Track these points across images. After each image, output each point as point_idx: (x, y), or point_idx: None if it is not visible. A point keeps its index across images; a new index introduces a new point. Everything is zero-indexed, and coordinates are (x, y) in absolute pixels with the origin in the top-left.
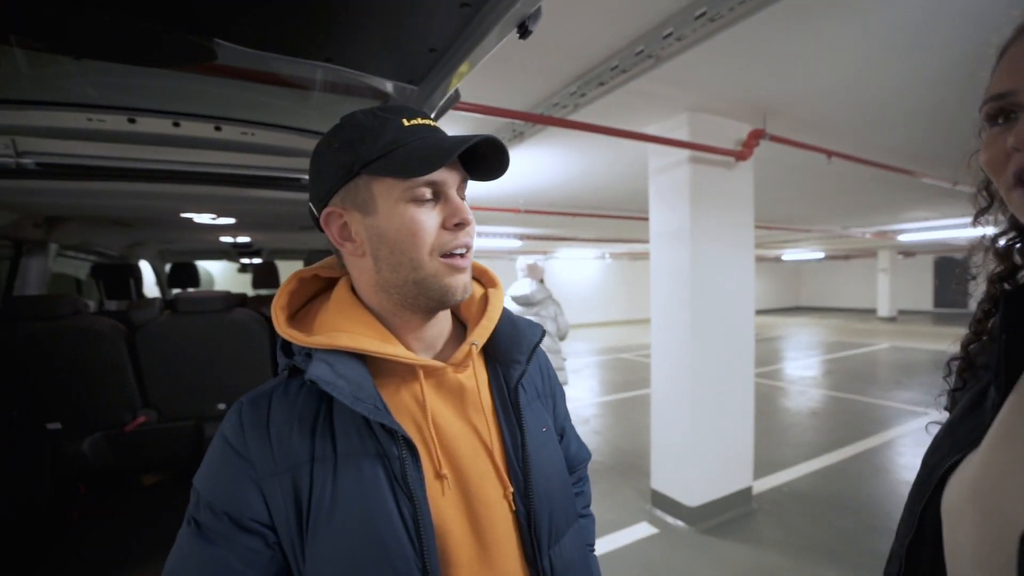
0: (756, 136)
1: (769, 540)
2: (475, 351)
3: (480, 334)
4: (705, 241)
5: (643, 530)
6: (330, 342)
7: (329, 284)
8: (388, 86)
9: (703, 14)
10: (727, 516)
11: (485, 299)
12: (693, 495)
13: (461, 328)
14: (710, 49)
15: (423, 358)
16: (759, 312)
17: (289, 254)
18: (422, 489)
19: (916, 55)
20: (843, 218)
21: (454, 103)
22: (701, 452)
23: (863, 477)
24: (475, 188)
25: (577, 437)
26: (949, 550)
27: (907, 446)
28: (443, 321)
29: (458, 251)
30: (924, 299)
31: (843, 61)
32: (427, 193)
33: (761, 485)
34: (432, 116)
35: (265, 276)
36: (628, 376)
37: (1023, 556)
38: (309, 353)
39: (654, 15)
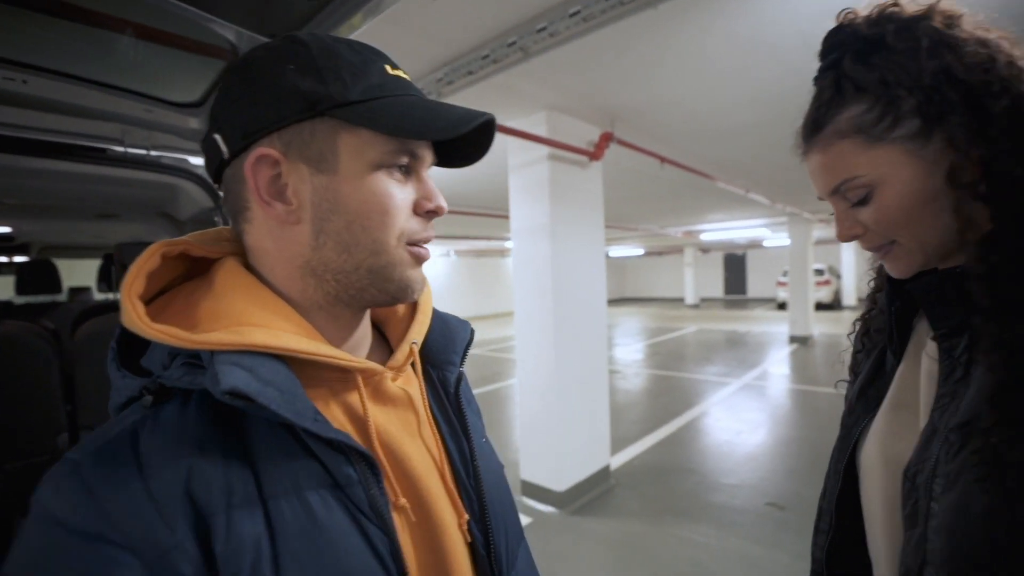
0: (607, 139)
1: (629, 510)
2: (416, 352)
3: (418, 331)
4: (564, 236)
5: None
6: (240, 340)
7: (191, 268)
8: (231, 36)
9: (577, 12)
10: (592, 495)
11: None
12: (561, 480)
13: (377, 331)
14: (573, 51)
15: (363, 360)
16: None
17: (74, 251)
18: (388, 512)
19: (741, 80)
20: (663, 218)
21: None
22: (567, 437)
23: (693, 442)
24: None
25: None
26: (865, 497)
27: (720, 411)
28: (368, 322)
29: (423, 242)
30: (717, 288)
31: (684, 77)
32: (405, 165)
33: (615, 461)
34: None
35: (39, 278)
36: (484, 371)
37: (905, 484)
38: (194, 361)
39: (529, 8)
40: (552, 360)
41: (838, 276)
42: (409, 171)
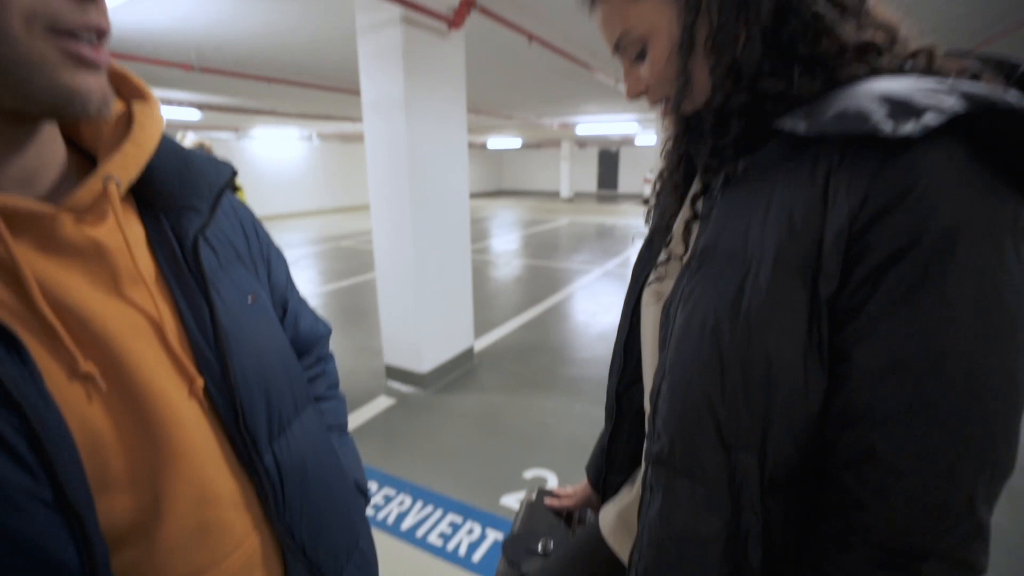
0: (468, 5)
1: (490, 386)
2: (115, 192)
3: (124, 166)
4: (421, 113)
5: (381, 403)
6: None
7: None
8: None
9: None
10: (455, 375)
11: (128, 119)
12: (423, 362)
13: (90, 165)
14: None
15: (7, 195)
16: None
17: None
18: (36, 389)
19: None
20: (537, 107)
21: None
22: (428, 323)
23: (554, 324)
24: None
25: (310, 311)
26: (643, 337)
27: (581, 296)
28: (50, 145)
29: (85, 35)
30: (591, 183)
31: None
32: None
33: (481, 344)
34: None
35: None
36: (351, 263)
37: (664, 318)
38: None
39: None
40: (410, 247)
41: None
42: None
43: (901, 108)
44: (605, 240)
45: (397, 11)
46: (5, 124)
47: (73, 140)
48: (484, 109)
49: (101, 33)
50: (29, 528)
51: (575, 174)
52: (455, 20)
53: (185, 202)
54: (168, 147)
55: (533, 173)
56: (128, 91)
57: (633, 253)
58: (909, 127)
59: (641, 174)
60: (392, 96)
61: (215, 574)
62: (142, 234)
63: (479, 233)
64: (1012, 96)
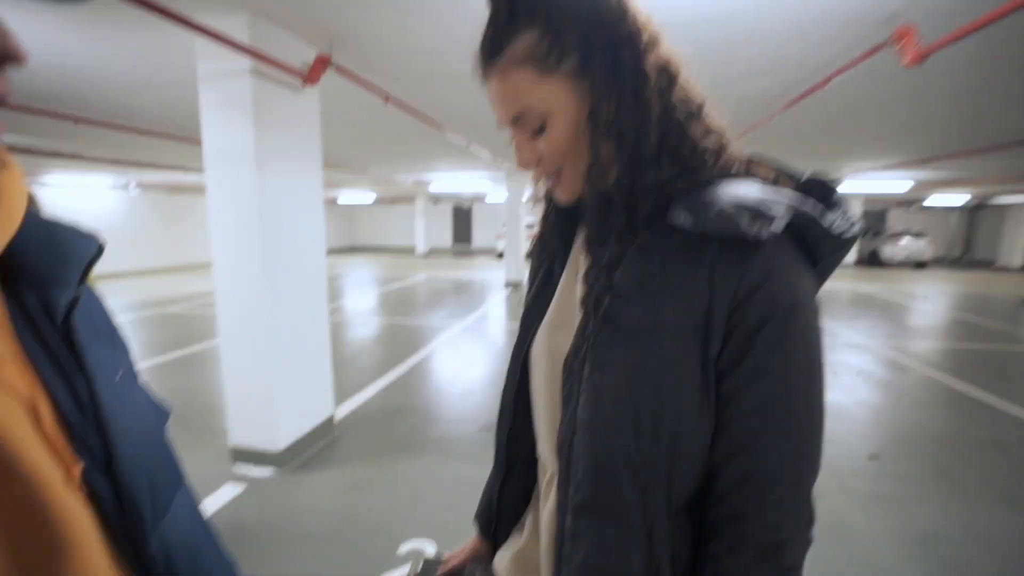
0: (323, 63)
1: (355, 457)
2: None
3: None
4: (273, 168)
5: (228, 492)
6: None
7: None
8: None
9: None
10: (315, 449)
11: None
12: (278, 439)
13: None
14: None
15: None
16: None
17: None
18: None
19: (462, 23)
20: (392, 163)
21: None
22: (282, 394)
23: (418, 384)
24: None
25: (150, 391)
26: (534, 390)
27: (443, 353)
28: None
29: None
30: (446, 238)
31: (409, 7)
32: None
33: (341, 412)
34: None
35: None
36: (180, 332)
37: (564, 371)
38: None
39: None
40: (261, 312)
41: None
42: None
43: (757, 215)
44: (463, 295)
45: (247, 62)
46: None
47: None
48: (339, 164)
49: None
50: None
51: (430, 229)
52: (310, 76)
53: (50, 275)
54: (30, 216)
55: (388, 228)
56: None
57: (492, 306)
58: (766, 231)
59: (494, 229)
60: (241, 149)
61: None
62: (1, 312)
63: (333, 292)
64: (809, 206)
